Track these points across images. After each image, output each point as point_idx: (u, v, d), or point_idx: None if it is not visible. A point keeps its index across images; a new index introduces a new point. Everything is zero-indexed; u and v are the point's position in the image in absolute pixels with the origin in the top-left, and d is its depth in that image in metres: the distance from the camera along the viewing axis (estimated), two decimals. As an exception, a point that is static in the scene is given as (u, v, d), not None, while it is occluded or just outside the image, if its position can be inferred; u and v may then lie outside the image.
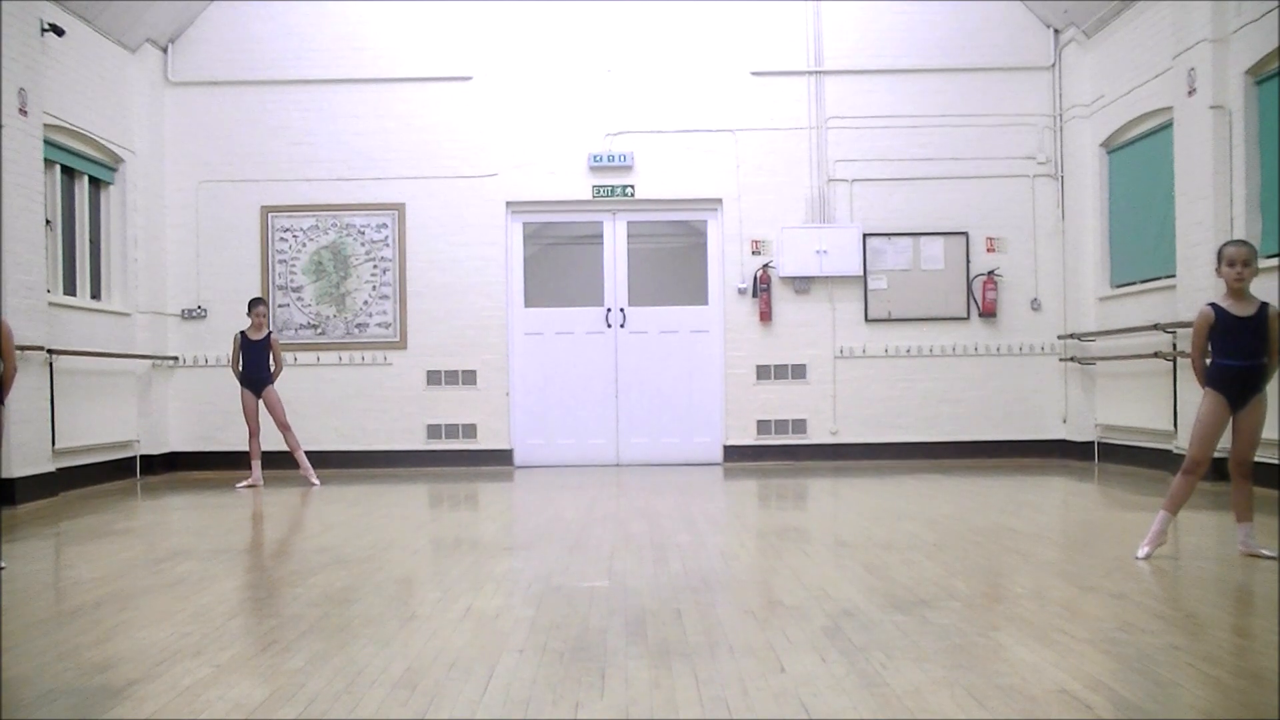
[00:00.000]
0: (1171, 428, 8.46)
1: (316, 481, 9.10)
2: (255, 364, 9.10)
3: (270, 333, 9.25)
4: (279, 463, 10.42)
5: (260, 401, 9.12)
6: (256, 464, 9.16)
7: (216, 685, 3.11)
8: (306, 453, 9.33)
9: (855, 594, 4.23)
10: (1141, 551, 4.97)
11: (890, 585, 4.39)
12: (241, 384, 9.14)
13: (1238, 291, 4.86)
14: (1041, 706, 2.80)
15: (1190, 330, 8.06)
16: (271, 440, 9.27)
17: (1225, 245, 4.98)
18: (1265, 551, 4.89)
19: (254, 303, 9.24)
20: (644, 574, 4.78)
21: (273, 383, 9.14)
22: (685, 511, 7.05)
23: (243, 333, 9.18)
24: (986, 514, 6.74)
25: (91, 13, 9.19)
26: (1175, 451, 8.31)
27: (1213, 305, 4.94)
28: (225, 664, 3.33)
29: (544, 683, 3.09)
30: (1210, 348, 4.97)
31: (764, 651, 3.39)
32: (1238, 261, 4.82)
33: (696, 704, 2.88)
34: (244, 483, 9.12)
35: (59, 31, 8.43)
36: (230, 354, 9.36)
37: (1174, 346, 8.35)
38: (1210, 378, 4.97)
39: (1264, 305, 4.89)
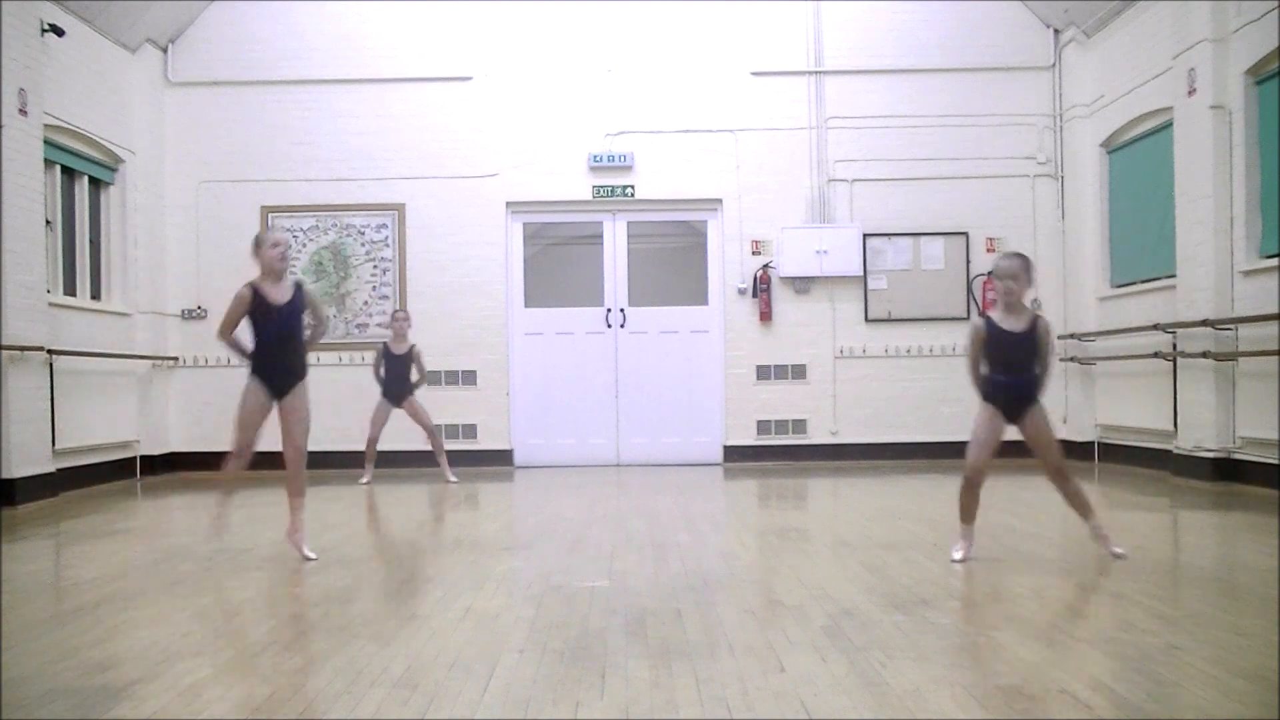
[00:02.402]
0: (1171, 428, 8.46)
1: (454, 478, 9.19)
2: (397, 376, 9.12)
3: (414, 345, 9.22)
4: (280, 463, 10.43)
5: (394, 411, 9.17)
6: (370, 465, 9.32)
7: (216, 685, 3.11)
8: (306, 453, 9.31)
9: (855, 594, 4.23)
10: (957, 555, 4.96)
11: (890, 585, 4.39)
12: (382, 393, 9.18)
13: (1009, 306, 4.87)
14: (1041, 706, 2.79)
15: (1189, 327, 8.08)
16: (269, 441, 9.23)
17: (998, 259, 4.98)
18: (1116, 549, 4.89)
19: (395, 313, 9.30)
20: (644, 574, 4.78)
21: (413, 393, 9.16)
22: (685, 511, 7.06)
23: (385, 344, 9.23)
24: (986, 514, 6.72)
25: (91, 13, 9.19)
26: (1175, 452, 8.31)
27: (985, 318, 4.97)
28: (225, 664, 3.33)
29: (544, 683, 3.09)
30: (985, 360, 4.97)
31: (764, 651, 3.39)
32: (1006, 276, 4.82)
33: (696, 704, 2.87)
34: (364, 479, 9.21)
35: (59, 32, 8.43)
36: (373, 361, 9.33)
37: (1174, 346, 8.35)
38: (984, 391, 4.99)
39: (1035, 319, 4.90)
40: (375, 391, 10.56)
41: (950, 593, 4.22)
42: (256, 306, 5.28)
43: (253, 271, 10.55)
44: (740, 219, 10.58)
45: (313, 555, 5.29)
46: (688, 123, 10.61)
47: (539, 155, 10.60)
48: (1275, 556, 4.88)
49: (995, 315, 4.93)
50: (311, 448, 10.15)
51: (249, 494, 8.61)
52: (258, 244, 5.42)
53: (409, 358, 9.15)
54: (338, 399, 10.46)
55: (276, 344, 5.32)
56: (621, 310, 10.73)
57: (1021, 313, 4.89)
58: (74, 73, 9.02)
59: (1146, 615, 3.79)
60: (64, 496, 8.26)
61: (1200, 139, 7.98)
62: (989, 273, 10.45)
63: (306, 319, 5.48)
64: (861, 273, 10.47)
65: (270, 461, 10.32)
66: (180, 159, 10.53)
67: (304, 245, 10.54)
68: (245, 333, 5.42)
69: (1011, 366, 4.90)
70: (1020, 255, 4.98)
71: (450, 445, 10.49)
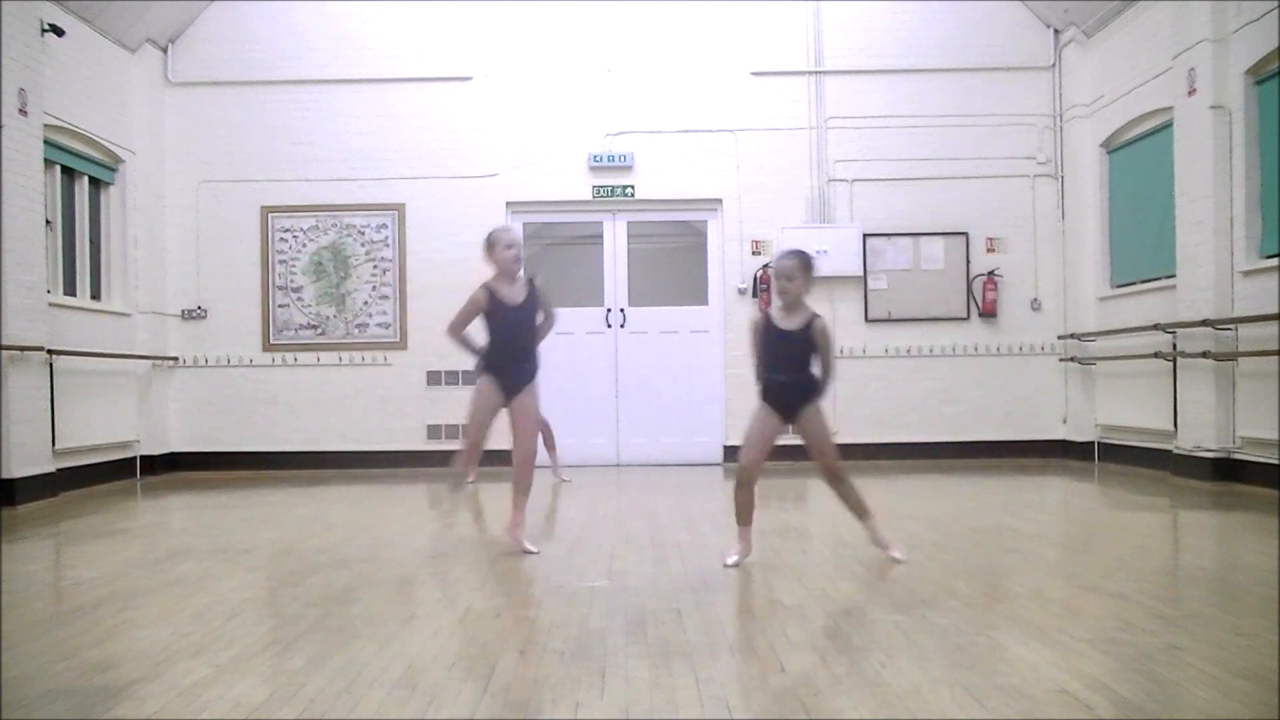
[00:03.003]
0: (1171, 428, 8.46)
1: (566, 478, 9.00)
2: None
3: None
4: (280, 463, 10.44)
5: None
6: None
7: (216, 685, 3.10)
8: (306, 453, 9.32)
9: (855, 594, 4.23)
10: (730, 560, 4.94)
11: (890, 585, 4.39)
12: None
13: (787, 304, 4.81)
14: (1041, 706, 2.79)
15: (1189, 327, 8.07)
16: (273, 441, 9.26)
17: (777, 257, 4.92)
18: (896, 554, 4.88)
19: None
20: (644, 574, 4.78)
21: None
22: (685, 511, 7.05)
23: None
24: (986, 514, 6.74)
25: (91, 13, 9.19)
26: (1175, 452, 8.32)
27: (764, 313, 4.93)
28: (225, 664, 3.33)
29: (544, 683, 3.09)
30: (762, 358, 4.92)
31: (764, 651, 3.39)
32: (782, 276, 4.77)
33: (696, 704, 2.87)
34: (554, 468, 9.02)
35: (59, 31, 8.43)
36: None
37: (1174, 346, 8.35)
38: (760, 389, 4.95)
39: (811, 319, 4.80)
40: (376, 389, 10.58)
41: (950, 593, 4.22)
42: (492, 307, 5.26)
43: (247, 270, 10.63)
44: (740, 219, 10.58)
45: (534, 549, 5.30)
46: (688, 123, 10.61)
47: (539, 155, 10.59)
48: (1275, 556, 4.88)
49: (774, 312, 4.88)
50: (310, 447, 10.30)
51: (248, 494, 8.62)
52: (491, 244, 5.32)
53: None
54: (338, 398, 10.48)
55: (511, 343, 5.30)
56: (621, 310, 10.73)
57: (799, 311, 4.82)
58: (74, 73, 9.02)
59: (1146, 615, 3.79)
60: (64, 496, 8.27)
61: (1200, 139, 7.99)
62: (989, 272, 10.46)
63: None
64: (861, 273, 10.47)
65: (265, 462, 10.35)
66: (180, 159, 10.53)
67: (304, 245, 10.54)
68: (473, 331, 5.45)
69: (783, 365, 4.83)
70: (799, 253, 4.89)
71: (450, 445, 10.50)
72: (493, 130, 10.60)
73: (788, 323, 4.80)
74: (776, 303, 4.89)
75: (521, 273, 5.43)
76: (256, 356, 10.50)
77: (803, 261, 4.81)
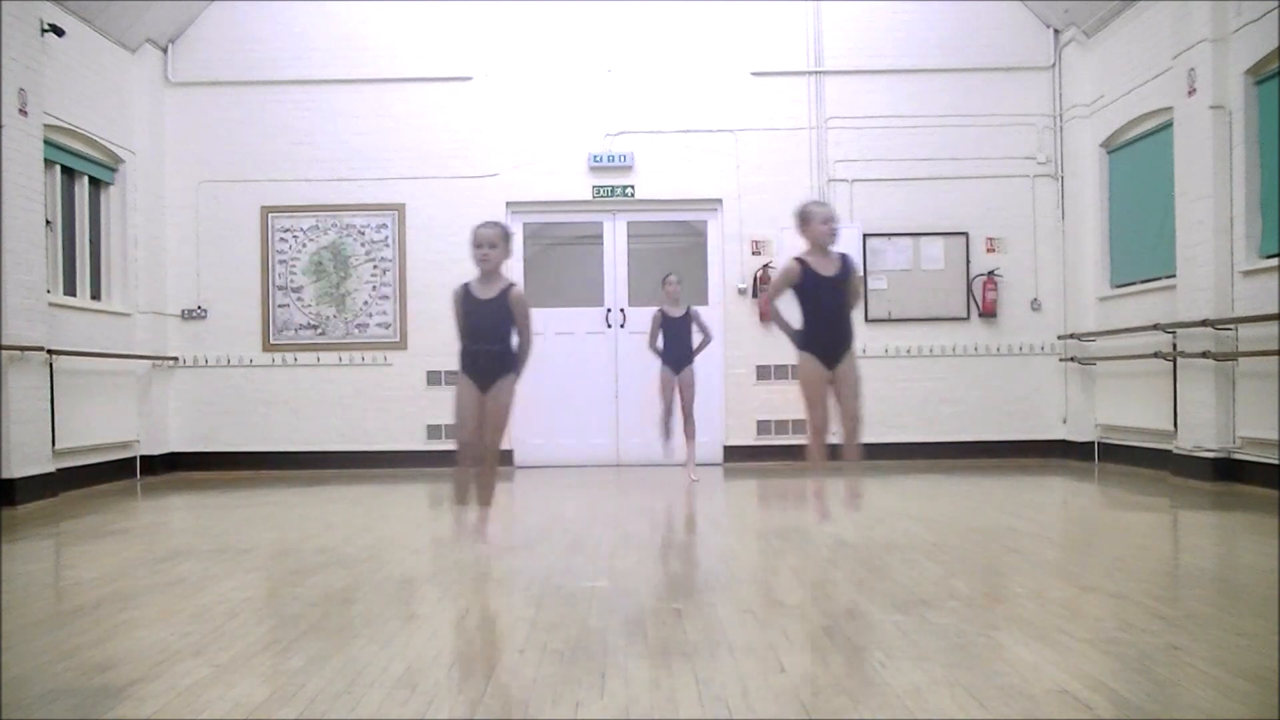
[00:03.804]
0: (1171, 428, 8.46)
1: (695, 477, 8.84)
2: (677, 340, 8.76)
3: (690, 306, 8.98)
4: (280, 463, 10.44)
5: (679, 381, 8.79)
6: (669, 440, 8.92)
7: (216, 685, 3.10)
8: (306, 453, 9.31)
9: (855, 594, 4.23)
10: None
11: (890, 585, 4.39)
12: (662, 362, 8.82)
13: (485, 273, 4.97)
14: (1041, 706, 2.79)
15: (1189, 327, 8.08)
16: (273, 441, 9.24)
17: (477, 226, 5.05)
18: (485, 543, 5.04)
19: (667, 278, 8.93)
20: (644, 574, 4.78)
21: (693, 360, 8.83)
22: (685, 511, 7.06)
23: (661, 310, 8.89)
24: (986, 514, 6.74)
25: (91, 13, 9.19)
26: (1175, 452, 8.32)
27: (464, 285, 5.08)
28: (225, 664, 3.33)
29: (544, 683, 3.09)
30: (458, 329, 5.09)
31: (764, 651, 3.39)
32: (484, 243, 4.91)
33: (696, 704, 2.87)
34: (694, 476, 8.88)
35: (59, 32, 8.43)
36: (648, 332, 8.96)
37: (1174, 346, 8.35)
38: (459, 358, 5.15)
39: (508, 288, 5.03)
40: (376, 389, 10.58)
41: (950, 593, 4.22)
42: (805, 280, 5.25)
43: (247, 270, 10.63)
44: (740, 219, 10.58)
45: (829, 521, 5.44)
46: (688, 123, 10.61)
47: (539, 155, 10.60)
48: (1275, 557, 4.88)
49: (472, 283, 5.02)
50: (310, 447, 10.29)
51: (248, 494, 8.61)
52: (805, 218, 5.29)
53: (688, 319, 8.82)
54: (338, 398, 10.48)
55: (829, 314, 5.31)
56: (621, 310, 10.73)
57: (496, 281, 4.98)
58: (74, 73, 9.01)
59: (1146, 615, 3.79)
60: (64, 496, 8.26)
61: (1200, 139, 7.98)
62: (989, 272, 10.46)
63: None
64: (861, 273, 10.46)
65: (265, 462, 10.36)
66: (180, 159, 10.53)
67: (304, 245, 10.54)
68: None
69: (481, 334, 4.99)
70: (497, 223, 5.11)
71: (450, 445, 10.47)
72: (493, 130, 10.61)
73: (485, 292, 4.97)
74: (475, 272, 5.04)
75: (835, 246, 5.40)
76: (256, 356, 10.50)
77: (502, 231, 5.03)
